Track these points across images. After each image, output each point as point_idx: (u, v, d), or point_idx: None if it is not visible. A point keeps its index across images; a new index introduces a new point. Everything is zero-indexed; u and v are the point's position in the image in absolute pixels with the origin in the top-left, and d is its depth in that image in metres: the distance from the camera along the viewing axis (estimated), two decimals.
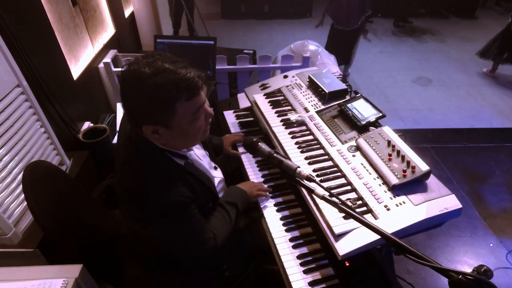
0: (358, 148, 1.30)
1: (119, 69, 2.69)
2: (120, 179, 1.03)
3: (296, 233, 1.24)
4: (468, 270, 0.70)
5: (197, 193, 1.07)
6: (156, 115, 0.91)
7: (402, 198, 1.09)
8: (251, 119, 1.85)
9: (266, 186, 1.40)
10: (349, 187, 1.19)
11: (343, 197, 1.08)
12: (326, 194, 0.95)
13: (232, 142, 1.62)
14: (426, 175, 1.11)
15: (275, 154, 1.09)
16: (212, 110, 1.04)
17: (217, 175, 1.30)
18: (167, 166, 1.02)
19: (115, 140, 2.57)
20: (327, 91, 1.56)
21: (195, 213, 1.04)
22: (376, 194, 1.11)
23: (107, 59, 2.78)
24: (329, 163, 1.30)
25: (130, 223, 1.17)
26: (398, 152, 1.20)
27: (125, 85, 0.90)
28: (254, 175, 1.48)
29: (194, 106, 0.93)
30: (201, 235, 1.06)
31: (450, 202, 1.06)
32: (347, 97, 1.57)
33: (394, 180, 1.11)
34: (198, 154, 1.21)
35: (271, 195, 1.37)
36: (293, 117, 1.54)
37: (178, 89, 0.88)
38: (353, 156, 1.28)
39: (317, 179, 1.14)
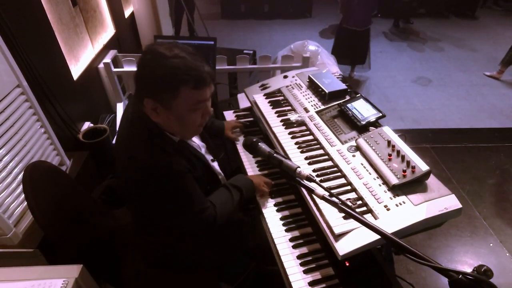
0: (358, 148, 1.30)
1: (119, 69, 2.69)
2: (121, 154, 1.08)
3: (296, 233, 1.24)
4: (468, 270, 0.70)
5: (194, 165, 1.12)
6: (160, 92, 0.97)
7: (402, 198, 1.09)
8: (251, 119, 1.85)
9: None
10: (349, 187, 1.19)
11: (343, 197, 1.08)
12: (326, 194, 0.95)
13: (233, 128, 1.71)
14: (426, 175, 1.11)
15: (275, 154, 1.09)
16: (213, 110, 1.08)
17: (215, 167, 1.33)
18: (165, 140, 1.07)
19: (115, 141, 2.57)
20: (327, 91, 1.56)
21: (193, 183, 1.09)
22: (376, 194, 1.11)
23: (107, 59, 2.77)
24: (329, 163, 1.30)
25: (130, 202, 1.19)
26: (398, 152, 1.20)
27: (143, 59, 0.98)
28: (254, 175, 1.47)
29: (196, 97, 0.99)
30: (199, 203, 1.11)
31: (450, 202, 1.06)
32: (347, 97, 1.57)
33: (394, 180, 1.11)
34: (195, 141, 1.27)
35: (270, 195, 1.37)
36: (293, 117, 1.54)
37: (189, 75, 0.94)
38: (353, 156, 1.28)
39: (317, 179, 1.15)
